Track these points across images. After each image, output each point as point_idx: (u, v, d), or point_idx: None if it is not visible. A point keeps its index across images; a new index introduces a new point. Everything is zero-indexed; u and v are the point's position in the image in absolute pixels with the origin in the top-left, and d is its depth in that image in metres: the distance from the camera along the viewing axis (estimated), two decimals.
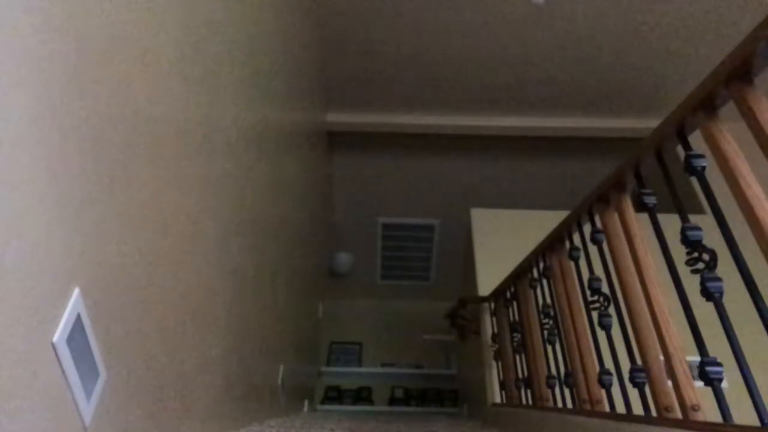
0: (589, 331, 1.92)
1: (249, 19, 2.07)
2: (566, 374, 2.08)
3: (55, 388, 0.87)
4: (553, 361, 2.27)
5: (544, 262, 2.37)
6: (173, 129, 1.35)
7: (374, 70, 4.27)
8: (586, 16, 3.76)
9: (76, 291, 0.92)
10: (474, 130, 4.74)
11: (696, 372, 1.26)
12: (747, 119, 1.13)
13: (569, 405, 2.08)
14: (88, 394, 0.96)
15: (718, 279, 1.22)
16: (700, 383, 1.26)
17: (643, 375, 1.50)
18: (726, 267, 1.22)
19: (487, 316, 3.45)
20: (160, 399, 1.32)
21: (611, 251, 1.74)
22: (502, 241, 3.79)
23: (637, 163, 1.61)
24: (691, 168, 1.33)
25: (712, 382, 1.21)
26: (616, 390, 1.70)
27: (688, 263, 1.29)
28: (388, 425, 2.59)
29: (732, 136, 1.23)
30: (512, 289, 2.91)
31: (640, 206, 1.58)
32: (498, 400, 3.10)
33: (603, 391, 1.79)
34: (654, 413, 1.42)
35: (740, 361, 1.15)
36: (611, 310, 1.75)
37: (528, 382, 2.58)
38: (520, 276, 2.73)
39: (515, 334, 2.84)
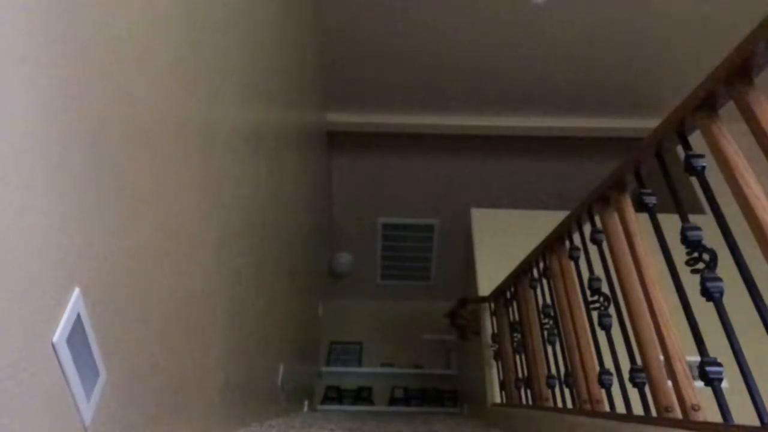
0: (589, 331, 1.92)
1: (249, 19, 2.07)
2: (566, 374, 2.08)
3: (55, 388, 0.87)
4: (553, 361, 2.27)
5: (544, 262, 2.37)
6: (173, 129, 1.35)
7: (374, 70, 4.27)
8: (586, 17, 3.76)
9: (76, 291, 0.92)
10: (474, 130, 4.74)
11: (696, 372, 1.26)
12: (747, 119, 1.13)
13: (569, 405, 2.08)
14: (88, 394, 0.96)
15: (718, 279, 1.22)
16: (700, 383, 1.26)
17: (643, 375, 1.50)
18: (726, 267, 1.22)
19: (487, 316, 3.45)
20: (160, 399, 1.32)
21: (611, 251, 1.74)
22: (502, 241, 3.79)
23: (637, 163, 1.61)
24: (691, 168, 1.33)
25: (712, 382, 1.21)
26: (616, 390, 1.70)
27: (688, 263, 1.29)
28: (388, 425, 2.59)
29: (732, 136, 1.23)
30: (512, 289, 2.91)
31: (640, 206, 1.58)
32: (498, 400, 3.10)
33: (603, 391, 1.79)
34: (654, 413, 1.42)
35: (740, 361, 1.15)
36: (611, 310, 1.75)
37: (528, 382, 2.58)
38: (520, 276, 2.73)
39: (515, 334, 2.84)
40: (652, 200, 1.55)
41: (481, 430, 2.65)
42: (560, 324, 2.16)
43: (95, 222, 0.97)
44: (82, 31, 0.91)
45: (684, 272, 1.34)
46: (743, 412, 1.16)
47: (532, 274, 2.57)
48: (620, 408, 1.64)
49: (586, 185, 2.15)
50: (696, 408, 1.26)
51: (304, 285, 4.12)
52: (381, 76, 4.31)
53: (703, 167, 1.32)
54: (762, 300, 1.10)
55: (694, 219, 1.33)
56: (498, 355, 3.13)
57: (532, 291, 2.56)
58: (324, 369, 5.75)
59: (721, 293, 1.22)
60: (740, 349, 1.16)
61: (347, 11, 3.78)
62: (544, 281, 2.39)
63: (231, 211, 1.91)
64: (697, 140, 1.35)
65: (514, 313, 2.88)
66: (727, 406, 1.18)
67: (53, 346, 0.86)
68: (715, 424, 1.15)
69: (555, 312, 2.24)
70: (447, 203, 5.45)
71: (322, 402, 5.58)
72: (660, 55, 4.04)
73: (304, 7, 3.32)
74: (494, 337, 3.24)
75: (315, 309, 5.08)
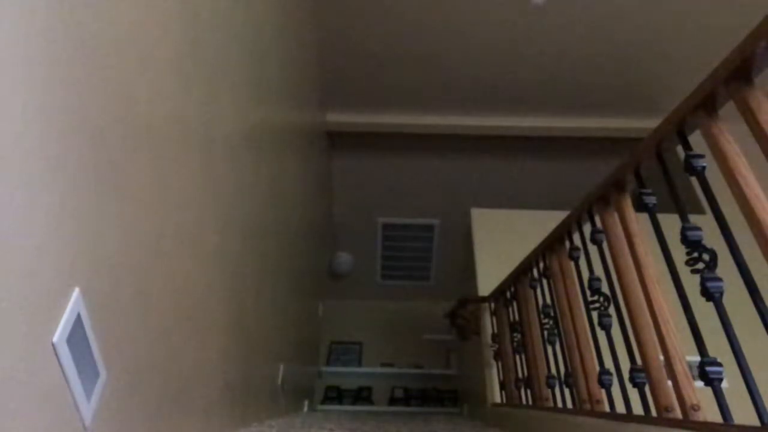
0: (589, 331, 1.92)
1: (248, 19, 2.07)
2: (566, 374, 2.08)
3: (55, 388, 0.87)
4: (553, 361, 2.27)
5: (544, 262, 2.37)
6: (173, 129, 1.35)
7: (374, 70, 4.27)
8: (586, 17, 3.76)
9: (76, 291, 0.92)
10: (474, 130, 4.74)
11: (696, 372, 1.26)
12: (747, 119, 1.13)
13: (569, 405, 2.08)
14: (88, 394, 0.96)
15: (718, 279, 1.22)
16: (700, 383, 1.26)
17: (643, 375, 1.50)
18: (726, 267, 1.22)
19: (487, 316, 3.45)
20: (160, 399, 1.32)
21: (611, 251, 1.74)
22: (502, 241, 3.79)
23: (637, 163, 1.61)
24: (691, 168, 1.33)
25: (712, 382, 1.21)
26: (616, 390, 1.70)
27: (688, 263, 1.29)
28: (388, 425, 2.59)
29: (732, 136, 1.23)
30: (512, 289, 2.91)
31: (640, 206, 1.58)
32: (498, 400, 3.10)
33: (603, 391, 1.79)
34: (654, 413, 1.42)
35: (740, 361, 1.15)
36: (611, 310, 1.75)
37: (528, 382, 2.58)
38: (520, 276, 2.73)
39: (515, 334, 2.84)
40: (652, 200, 1.55)
41: (481, 430, 2.65)
42: (560, 324, 2.15)
43: (95, 222, 0.97)
44: (82, 31, 0.91)
45: (684, 272, 1.34)
46: (743, 412, 1.16)
47: (532, 274, 2.57)
48: (620, 408, 1.64)
49: (586, 185, 2.15)
50: (696, 408, 1.26)
51: (304, 285, 4.12)
52: (381, 76, 4.31)
53: (703, 167, 1.32)
54: (762, 300, 1.10)
55: (694, 219, 1.33)
56: (498, 355, 3.13)
57: (532, 291, 2.56)
58: (324, 369, 5.75)
59: (721, 293, 1.22)
60: (740, 349, 1.16)
61: (347, 11, 3.78)
62: (544, 281, 2.39)
63: (231, 211, 1.91)
64: (697, 140, 1.35)
65: (514, 313, 2.88)
66: (727, 406, 1.18)
67: (53, 346, 0.86)
68: (715, 424, 1.15)
69: (555, 312, 2.24)
70: (447, 203, 5.45)
71: (322, 402, 5.58)
72: (660, 55, 4.03)
73: (304, 7, 3.32)
74: (494, 337, 3.24)
75: (315, 309, 5.08)
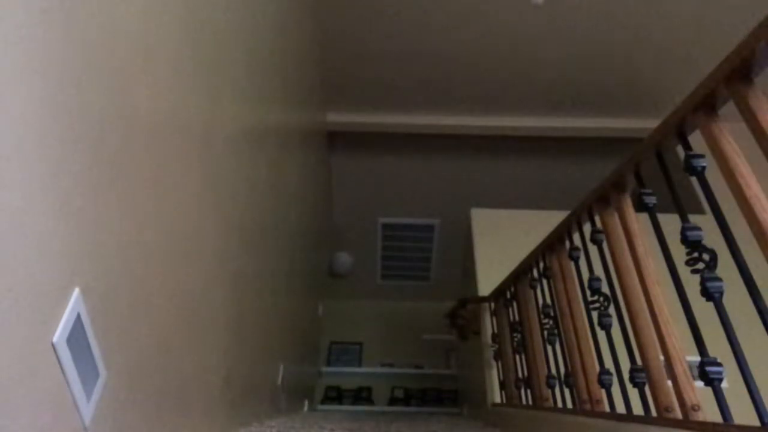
0: (589, 331, 1.92)
1: (249, 19, 2.07)
2: (566, 374, 2.08)
3: (55, 388, 0.87)
4: (553, 361, 2.27)
5: (544, 262, 2.37)
6: (173, 129, 1.35)
7: (374, 70, 4.27)
8: (586, 17, 3.76)
9: (76, 291, 0.92)
10: (474, 130, 4.74)
11: (696, 372, 1.26)
12: (747, 119, 1.13)
13: (569, 405, 2.08)
14: (88, 394, 0.96)
15: (718, 279, 1.22)
16: (700, 383, 1.26)
17: (643, 375, 1.50)
18: (726, 267, 1.22)
19: (487, 316, 3.45)
20: (160, 399, 1.32)
21: (611, 251, 1.74)
22: (502, 241, 3.79)
23: (637, 163, 1.61)
24: (691, 168, 1.33)
25: (712, 382, 1.21)
26: (616, 390, 1.70)
27: (688, 263, 1.29)
28: (388, 425, 2.59)
29: (732, 136, 1.23)
30: (512, 289, 2.91)
31: (640, 206, 1.58)
32: (498, 400, 3.10)
33: (603, 391, 1.79)
34: (654, 413, 1.42)
35: (740, 361, 1.15)
36: (611, 310, 1.75)
37: (528, 382, 2.58)
38: (520, 276, 2.73)
39: (515, 334, 2.84)
40: (652, 200, 1.55)
41: (481, 431, 2.65)
42: (560, 324, 2.15)
43: (95, 222, 0.97)
44: (82, 31, 0.91)
45: (684, 272, 1.33)
46: (743, 412, 1.16)
47: (532, 274, 2.57)
48: (620, 408, 1.64)
49: (586, 185, 2.15)
50: (696, 408, 1.26)
51: (304, 285, 4.12)
52: (381, 76, 4.31)
53: (703, 167, 1.32)
54: (762, 300, 1.10)
55: (694, 219, 1.33)
56: (498, 355, 3.13)
57: (532, 291, 2.56)
58: (324, 369, 5.75)
59: (721, 293, 1.22)
60: (740, 349, 1.16)
61: (347, 11, 3.78)
62: (544, 281, 2.38)
63: (231, 212, 1.91)
64: (697, 140, 1.35)
65: (514, 313, 2.88)
66: (727, 406, 1.18)
67: (53, 346, 0.86)
68: (715, 424, 1.15)
69: (555, 312, 2.24)
70: (447, 203, 5.45)
71: (322, 402, 5.58)
72: (660, 55, 4.03)
73: (304, 7, 3.32)
74: (494, 337, 3.24)
75: (315, 309, 5.08)
